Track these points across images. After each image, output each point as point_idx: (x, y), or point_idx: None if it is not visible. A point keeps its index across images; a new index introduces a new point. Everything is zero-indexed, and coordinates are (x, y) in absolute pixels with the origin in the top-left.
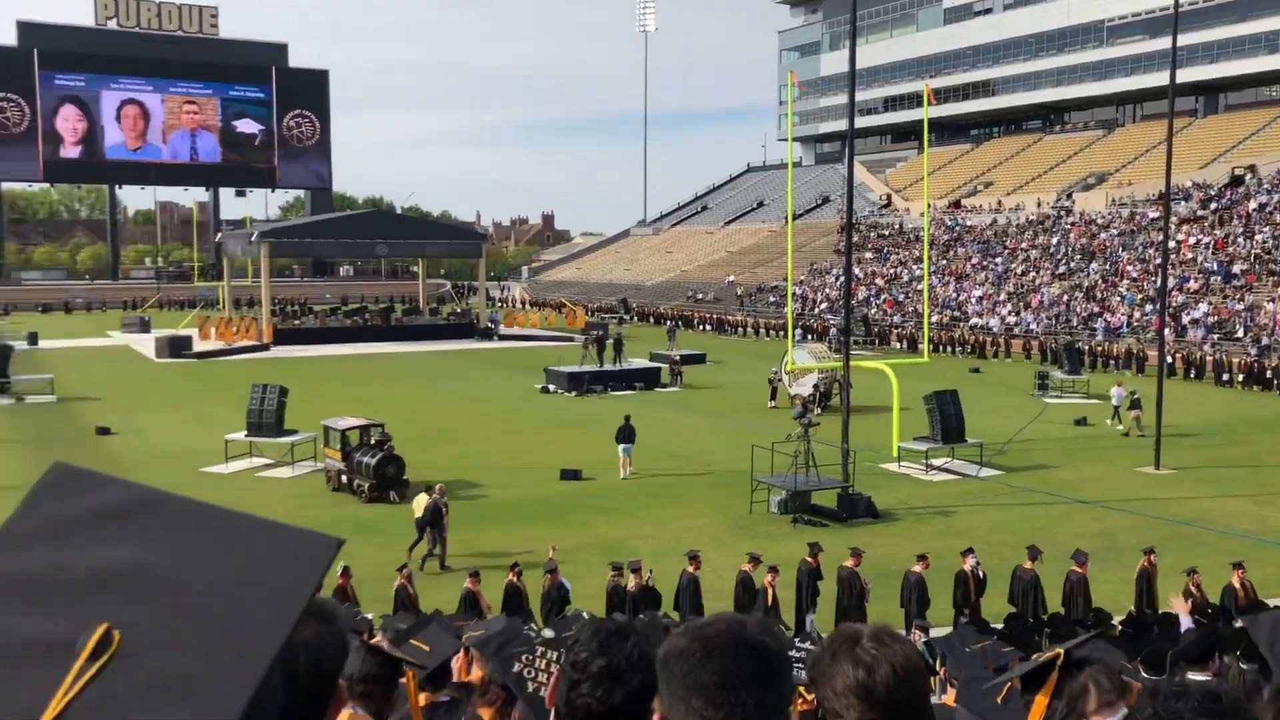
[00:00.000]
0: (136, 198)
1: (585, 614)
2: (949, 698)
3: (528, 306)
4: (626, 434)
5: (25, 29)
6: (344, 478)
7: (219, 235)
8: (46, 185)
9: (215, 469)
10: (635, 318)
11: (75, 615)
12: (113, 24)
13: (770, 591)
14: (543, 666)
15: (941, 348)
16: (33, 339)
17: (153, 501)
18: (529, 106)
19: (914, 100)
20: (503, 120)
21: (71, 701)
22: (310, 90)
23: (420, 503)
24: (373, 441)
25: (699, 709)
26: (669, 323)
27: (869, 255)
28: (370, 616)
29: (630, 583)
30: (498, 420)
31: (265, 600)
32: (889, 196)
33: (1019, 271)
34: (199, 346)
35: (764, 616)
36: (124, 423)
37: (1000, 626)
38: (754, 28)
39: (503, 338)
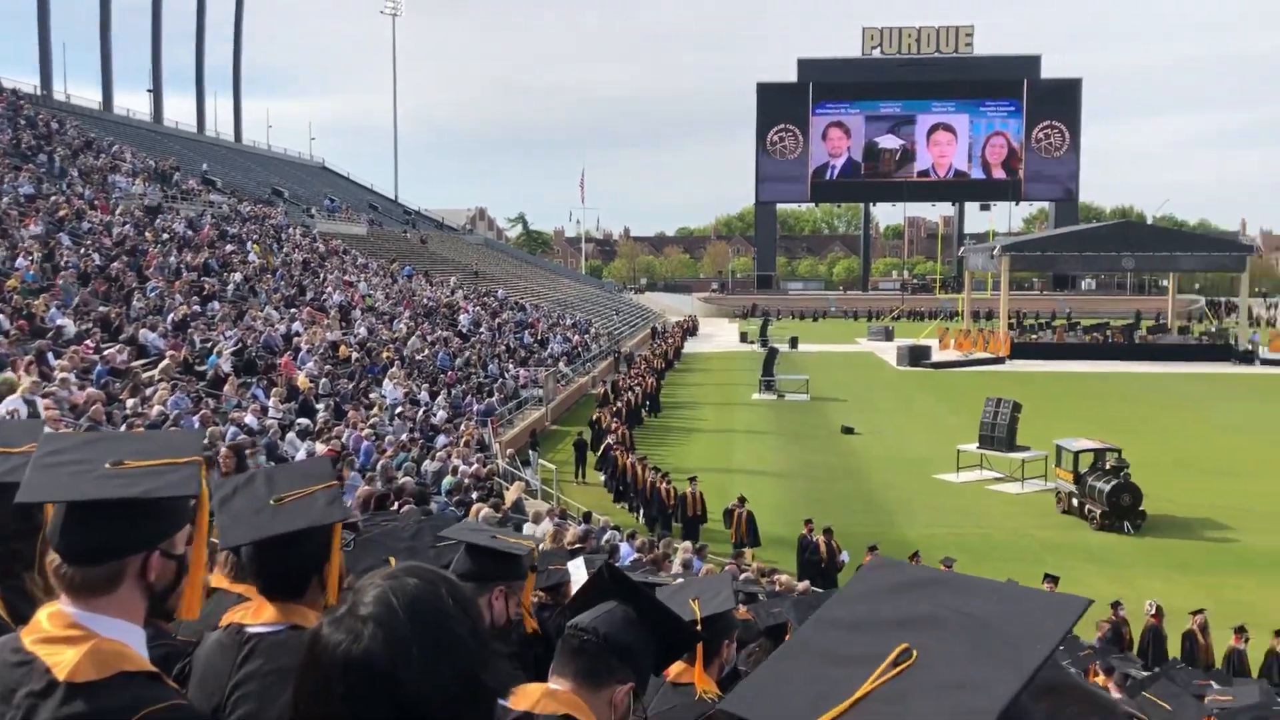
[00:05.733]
0: (887, 214)
1: None
2: None
3: None
4: None
5: (804, 65)
6: (1074, 501)
7: (961, 249)
8: (812, 205)
9: (946, 477)
10: None
11: (883, 640)
12: (876, 53)
13: None
14: None
15: None
16: (793, 343)
17: (941, 577)
18: None
19: None
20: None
21: (872, 690)
22: (1061, 101)
23: None
24: (1108, 467)
25: None
26: None
27: None
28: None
29: None
30: (1257, 456)
31: (1027, 631)
32: None
33: None
34: (937, 356)
35: None
36: (866, 424)
37: None
38: None
39: (1265, 362)
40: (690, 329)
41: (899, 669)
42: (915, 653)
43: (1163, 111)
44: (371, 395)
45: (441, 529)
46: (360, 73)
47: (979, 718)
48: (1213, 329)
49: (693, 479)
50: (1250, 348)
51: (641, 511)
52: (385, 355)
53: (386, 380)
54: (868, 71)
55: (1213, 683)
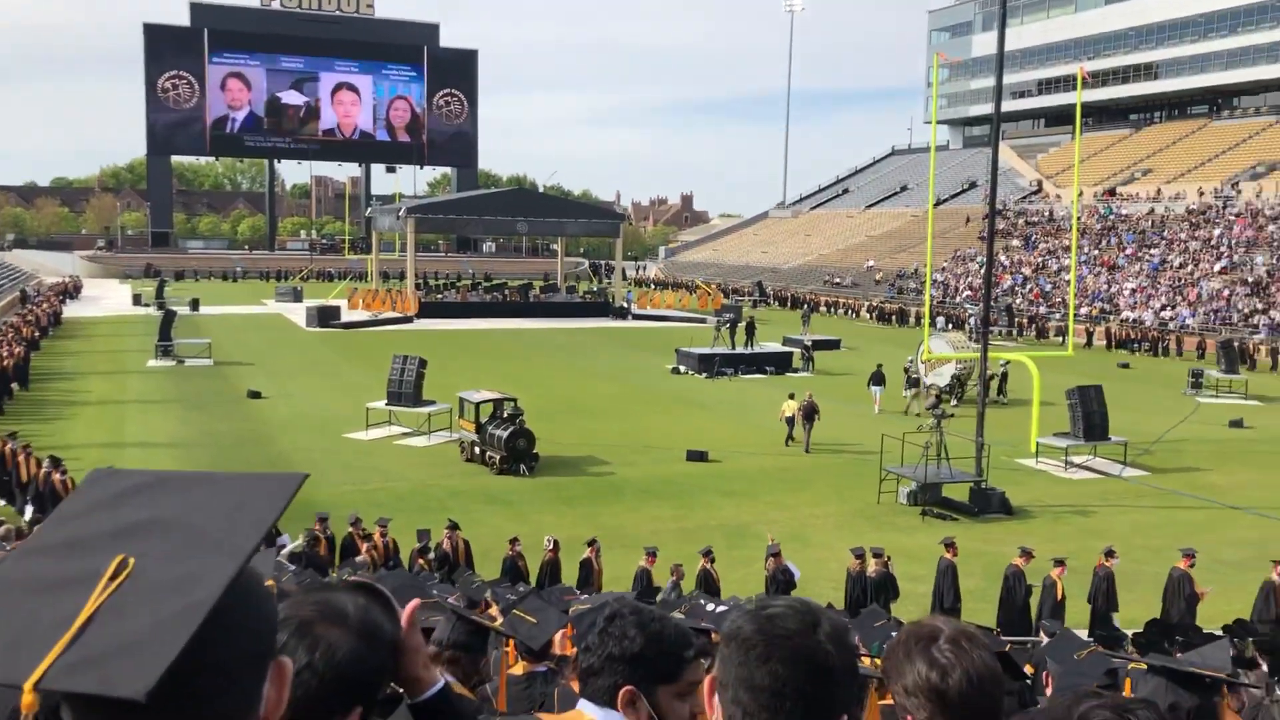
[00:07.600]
0: (294, 172)
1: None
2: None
3: (657, 287)
4: (879, 378)
5: (197, 10)
6: (476, 449)
7: (369, 210)
8: (212, 159)
9: (356, 435)
10: (771, 301)
11: (99, 555)
12: (276, 4)
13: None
14: None
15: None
16: (194, 305)
17: (167, 477)
18: (672, 87)
19: (1070, 83)
20: (645, 101)
21: (99, 608)
22: (459, 70)
23: (790, 406)
24: (505, 415)
25: (744, 702)
26: (804, 307)
27: (1016, 243)
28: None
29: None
30: (628, 399)
31: (243, 519)
32: (1039, 182)
33: (1176, 264)
34: (347, 317)
35: (838, 618)
36: (274, 387)
37: (1138, 632)
38: (904, 7)
39: (636, 317)
40: (71, 291)
41: (117, 582)
42: (132, 561)
43: (551, 88)
44: None
45: None
46: None
47: (197, 609)
48: (594, 288)
49: None
50: (625, 305)
51: (30, 509)
52: None
53: None
54: (267, 23)
55: (579, 594)
